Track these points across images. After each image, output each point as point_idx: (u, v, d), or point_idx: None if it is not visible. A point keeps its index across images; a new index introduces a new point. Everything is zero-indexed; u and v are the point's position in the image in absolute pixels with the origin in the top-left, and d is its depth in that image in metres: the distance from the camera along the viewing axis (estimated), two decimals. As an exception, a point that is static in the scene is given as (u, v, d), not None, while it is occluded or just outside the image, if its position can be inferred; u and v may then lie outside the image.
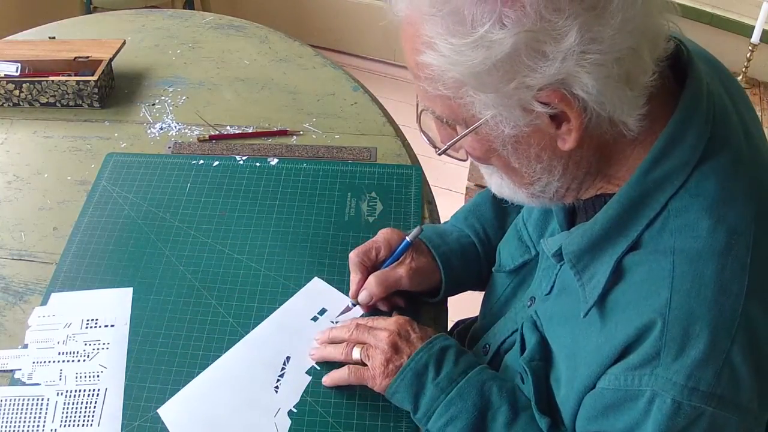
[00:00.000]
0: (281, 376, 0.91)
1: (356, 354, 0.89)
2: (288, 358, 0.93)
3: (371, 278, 0.96)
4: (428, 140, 0.77)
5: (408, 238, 0.96)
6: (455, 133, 0.72)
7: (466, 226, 1.04)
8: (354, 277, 0.97)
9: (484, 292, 1.02)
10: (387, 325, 0.89)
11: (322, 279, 1.03)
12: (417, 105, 0.74)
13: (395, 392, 0.85)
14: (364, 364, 0.88)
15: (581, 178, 0.72)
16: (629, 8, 0.61)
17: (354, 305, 0.97)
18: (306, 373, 0.92)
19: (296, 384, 0.91)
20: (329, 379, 0.90)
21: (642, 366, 0.66)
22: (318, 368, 0.92)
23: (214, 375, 0.92)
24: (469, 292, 1.05)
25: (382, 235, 0.99)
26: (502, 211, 1.03)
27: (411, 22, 0.65)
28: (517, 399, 0.82)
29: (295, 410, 0.88)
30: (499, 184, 0.78)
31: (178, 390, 0.90)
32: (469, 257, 1.01)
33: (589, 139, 0.67)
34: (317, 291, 1.01)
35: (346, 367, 0.89)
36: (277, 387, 0.90)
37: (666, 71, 0.69)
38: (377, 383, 0.86)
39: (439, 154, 0.76)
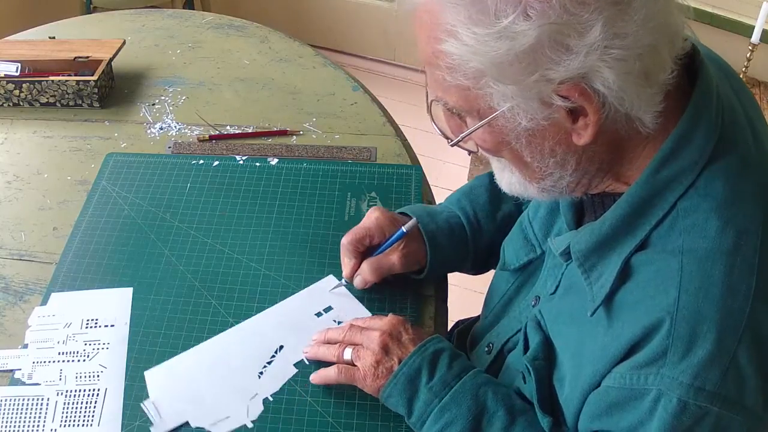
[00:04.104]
0: (269, 363, 0.92)
1: (347, 355, 0.88)
2: (281, 347, 0.94)
3: (365, 265, 0.97)
4: (440, 131, 0.76)
5: (404, 229, 0.96)
6: (464, 124, 0.72)
7: (457, 208, 1.04)
8: (348, 261, 0.99)
9: (486, 292, 1.02)
10: (380, 325, 0.89)
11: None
12: (427, 95, 0.73)
13: (389, 396, 0.85)
14: (355, 365, 0.88)
15: (593, 173, 0.72)
16: (652, 5, 0.61)
17: (346, 284, 0.99)
18: (294, 365, 0.92)
19: (280, 373, 0.91)
20: (317, 376, 0.89)
21: (648, 365, 0.65)
22: (307, 363, 0.92)
23: (206, 349, 0.94)
24: (470, 291, 1.05)
25: (375, 221, 0.99)
26: (496, 198, 1.03)
27: (429, 9, 0.65)
28: (513, 404, 0.82)
29: (271, 399, 0.88)
30: (510, 180, 0.77)
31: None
32: (457, 238, 1.01)
33: (604, 134, 0.67)
34: (328, 288, 1.01)
35: (335, 365, 0.88)
36: (261, 373, 0.91)
37: (679, 70, 0.69)
38: (367, 384, 0.86)
39: (452, 146, 0.75)
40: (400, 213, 1.03)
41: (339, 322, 0.97)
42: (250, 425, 0.86)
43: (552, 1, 0.59)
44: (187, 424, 0.87)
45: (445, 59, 0.65)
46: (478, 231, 1.02)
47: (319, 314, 0.98)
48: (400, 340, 0.87)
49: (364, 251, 0.99)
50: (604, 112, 0.64)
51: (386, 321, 0.90)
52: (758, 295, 0.65)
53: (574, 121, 0.66)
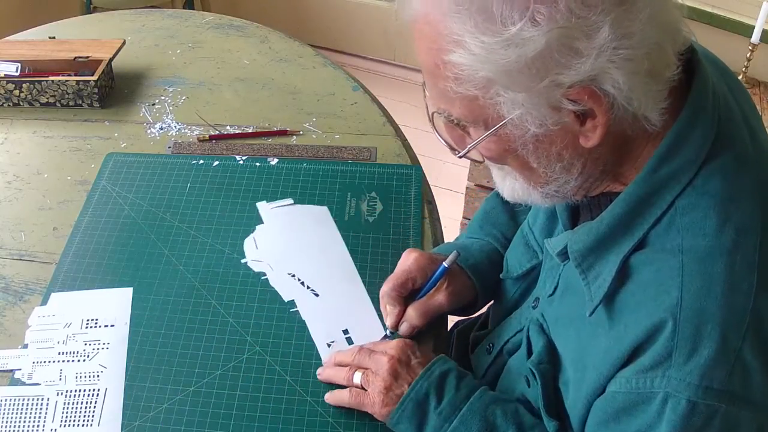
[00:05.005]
0: (302, 284, 1.02)
1: (357, 379, 0.87)
2: (311, 292, 1.01)
3: (411, 310, 0.92)
4: (446, 143, 0.75)
5: (446, 264, 0.92)
6: (467, 134, 0.71)
7: (484, 235, 1.02)
8: (392, 310, 0.93)
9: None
10: (388, 349, 0.87)
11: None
12: (427, 107, 0.72)
13: (398, 422, 0.83)
14: (365, 389, 0.86)
15: (596, 176, 0.72)
16: (655, 4, 0.61)
17: (392, 334, 0.94)
18: (285, 301, 1.01)
19: (286, 289, 1.03)
20: (332, 397, 0.89)
21: (654, 368, 0.65)
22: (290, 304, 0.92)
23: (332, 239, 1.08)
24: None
25: (415, 262, 0.94)
26: (514, 214, 1.02)
27: (430, 21, 0.64)
28: (522, 420, 0.81)
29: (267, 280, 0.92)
30: (512, 187, 0.77)
31: (178, 389, 0.90)
32: (497, 264, 0.99)
33: (610, 135, 0.66)
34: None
35: (348, 389, 0.87)
36: (299, 281, 1.03)
37: (681, 66, 0.68)
38: (376, 411, 0.85)
39: (460, 157, 0.74)
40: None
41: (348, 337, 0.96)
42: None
43: (559, 4, 0.58)
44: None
45: (453, 69, 0.64)
46: None
47: (345, 331, 0.96)
48: (410, 364, 0.86)
49: (407, 296, 0.94)
50: (613, 112, 0.64)
51: (394, 345, 0.88)
52: (760, 291, 0.65)
53: (581, 123, 0.65)
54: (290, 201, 1.13)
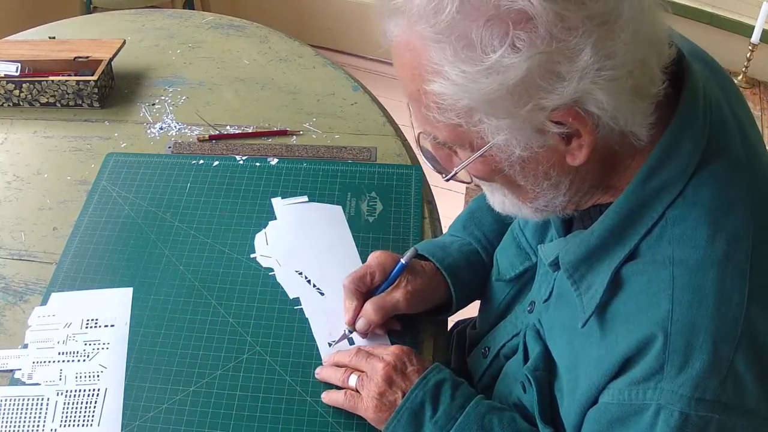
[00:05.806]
0: (308, 282, 1.02)
1: (352, 381, 0.87)
2: (318, 293, 1.01)
3: (368, 305, 0.93)
4: (434, 166, 0.75)
5: (403, 260, 0.92)
6: (455, 155, 0.71)
7: (466, 235, 1.02)
8: (349, 304, 0.94)
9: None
10: (385, 354, 0.87)
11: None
12: (413, 126, 0.72)
13: (393, 431, 0.83)
14: (360, 392, 0.86)
15: (585, 190, 0.72)
16: (638, 20, 0.60)
17: (351, 332, 0.95)
18: (290, 298, 0.98)
19: (292, 285, 1.03)
20: (327, 397, 0.89)
21: (646, 380, 0.65)
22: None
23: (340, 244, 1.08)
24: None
25: (375, 259, 0.95)
26: (500, 216, 1.01)
27: (411, 48, 0.63)
28: (519, 428, 0.81)
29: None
30: (503, 201, 0.76)
31: (178, 389, 0.90)
32: (475, 265, 0.99)
33: (597, 152, 0.66)
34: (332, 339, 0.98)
35: (344, 391, 0.87)
36: (305, 279, 1.04)
37: (668, 79, 0.68)
38: (369, 416, 0.85)
39: (447, 180, 0.73)
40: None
41: (330, 344, 0.96)
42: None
43: (539, 29, 0.57)
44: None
45: (434, 99, 0.64)
46: (493, 252, 0.98)
47: (350, 332, 0.96)
48: (405, 372, 0.86)
49: (367, 293, 0.94)
50: (598, 131, 0.63)
51: (391, 351, 0.88)
52: (752, 300, 0.64)
53: (567, 143, 0.65)
54: (305, 198, 1.13)
